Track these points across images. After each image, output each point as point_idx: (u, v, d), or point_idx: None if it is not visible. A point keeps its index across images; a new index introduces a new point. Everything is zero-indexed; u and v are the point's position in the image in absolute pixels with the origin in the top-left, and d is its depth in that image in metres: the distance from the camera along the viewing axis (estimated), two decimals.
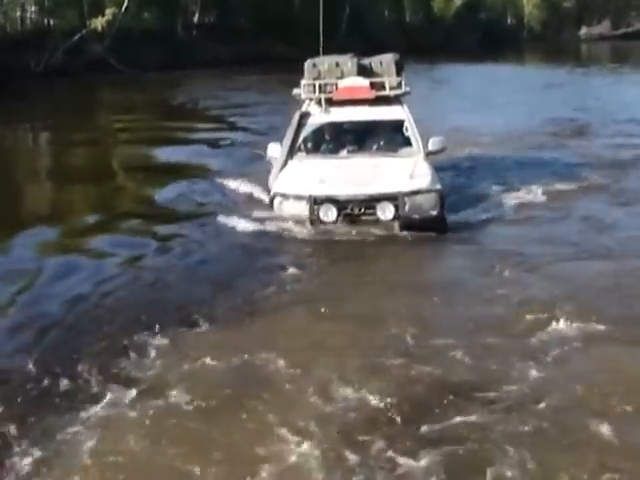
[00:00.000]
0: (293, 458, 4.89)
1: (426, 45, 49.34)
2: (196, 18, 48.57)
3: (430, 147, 10.40)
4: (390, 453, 4.89)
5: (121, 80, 35.02)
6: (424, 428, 5.15)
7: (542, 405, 5.43)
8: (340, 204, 9.55)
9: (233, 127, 21.56)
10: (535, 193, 11.23)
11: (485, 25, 67.96)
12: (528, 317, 6.87)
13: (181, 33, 45.65)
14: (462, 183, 11.97)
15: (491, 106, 23.37)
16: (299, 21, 50.01)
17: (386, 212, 9.50)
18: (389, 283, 8.04)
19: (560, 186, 11.78)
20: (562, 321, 6.67)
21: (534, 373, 5.88)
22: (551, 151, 15.37)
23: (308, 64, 11.04)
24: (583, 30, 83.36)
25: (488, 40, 61.84)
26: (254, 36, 45.76)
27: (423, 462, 4.80)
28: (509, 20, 77.98)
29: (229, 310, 7.37)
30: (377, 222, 9.53)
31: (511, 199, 10.90)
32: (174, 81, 35.38)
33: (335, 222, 9.55)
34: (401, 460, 4.82)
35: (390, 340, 6.51)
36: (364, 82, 10.65)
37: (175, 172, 15.14)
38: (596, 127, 18.51)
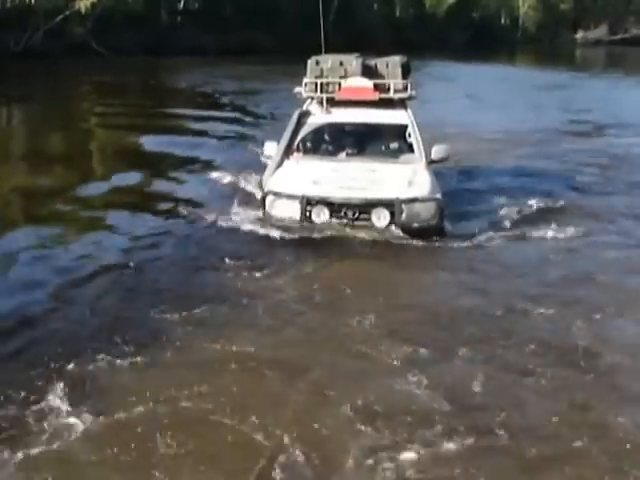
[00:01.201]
0: None
1: (415, 41, 48.74)
2: (181, 4, 47.84)
3: (433, 155, 9.97)
4: None
5: (102, 64, 34.32)
6: None
7: None
8: (333, 207, 9.13)
9: (219, 118, 21.01)
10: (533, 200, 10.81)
11: (477, 24, 67.42)
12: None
13: (165, 19, 44.94)
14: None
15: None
16: (285, 13, 49.53)
17: (381, 218, 9.07)
18: (365, 300, 7.45)
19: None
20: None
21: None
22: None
23: (311, 62, 10.57)
24: (579, 34, 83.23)
25: (480, 39, 61.52)
26: (239, 26, 45.14)
27: None
28: (503, 20, 77.26)
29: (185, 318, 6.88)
30: (371, 228, 9.09)
31: (510, 208, 10.42)
32: (154, 67, 34.86)
33: (327, 225, 9.13)
34: None
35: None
36: (368, 83, 10.18)
37: (156, 160, 14.77)
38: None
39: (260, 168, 12.34)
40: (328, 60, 10.53)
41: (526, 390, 5.71)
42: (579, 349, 6.36)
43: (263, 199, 9.47)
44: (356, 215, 9.11)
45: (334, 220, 9.13)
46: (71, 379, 5.61)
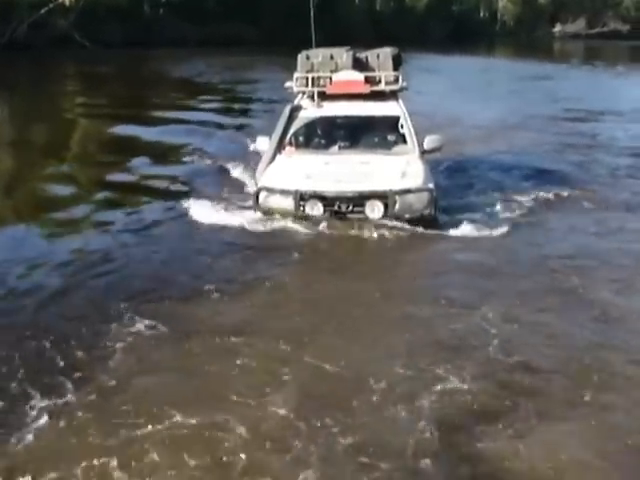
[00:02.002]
0: None
1: (396, 35, 48.76)
2: None
3: (426, 145, 9.89)
4: None
5: (85, 56, 34.14)
6: None
7: None
8: (327, 201, 9.05)
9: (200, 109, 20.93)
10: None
11: (457, 17, 67.62)
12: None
13: (148, 11, 44.67)
14: None
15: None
16: (268, 6, 49.31)
17: (375, 211, 9.00)
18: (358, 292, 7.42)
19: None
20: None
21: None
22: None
23: (301, 56, 10.47)
24: (557, 28, 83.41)
25: (459, 33, 61.59)
26: (222, 18, 45.07)
27: None
28: (482, 14, 77.49)
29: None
30: (365, 220, 9.02)
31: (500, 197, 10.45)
32: (138, 59, 34.68)
33: (321, 219, 9.05)
34: None
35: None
36: (359, 76, 10.08)
37: (142, 150, 14.65)
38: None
39: (248, 156, 12.52)
40: (319, 54, 10.42)
41: None
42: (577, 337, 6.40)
43: (256, 194, 9.39)
44: (350, 208, 9.05)
45: (328, 214, 9.05)
46: None
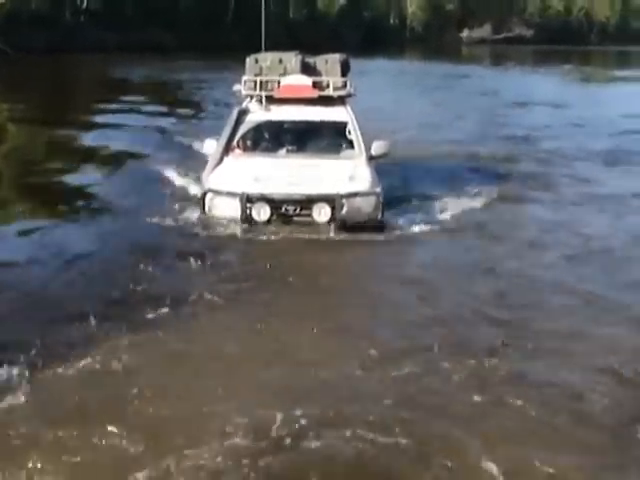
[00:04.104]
0: None
1: (309, 41, 49.08)
2: (85, 4, 47.20)
3: (373, 151, 9.75)
4: None
5: (7, 62, 33.00)
6: None
7: None
8: (274, 204, 8.83)
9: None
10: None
11: (368, 24, 68.16)
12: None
13: (69, 18, 44.37)
14: None
15: None
16: (185, 13, 49.46)
17: (322, 214, 8.81)
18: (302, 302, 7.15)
19: None
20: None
21: None
22: None
23: (250, 59, 10.21)
24: (465, 33, 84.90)
25: (371, 39, 62.09)
26: (141, 25, 45.35)
27: None
28: (392, 20, 78.45)
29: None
30: (312, 224, 8.82)
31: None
32: (60, 64, 33.95)
33: (268, 222, 8.81)
34: None
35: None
36: (307, 81, 9.88)
37: (78, 155, 14.18)
38: None
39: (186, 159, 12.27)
40: (267, 58, 10.20)
41: None
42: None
43: (203, 197, 9.07)
44: (297, 211, 8.84)
45: (274, 217, 8.82)
46: None
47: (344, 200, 8.77)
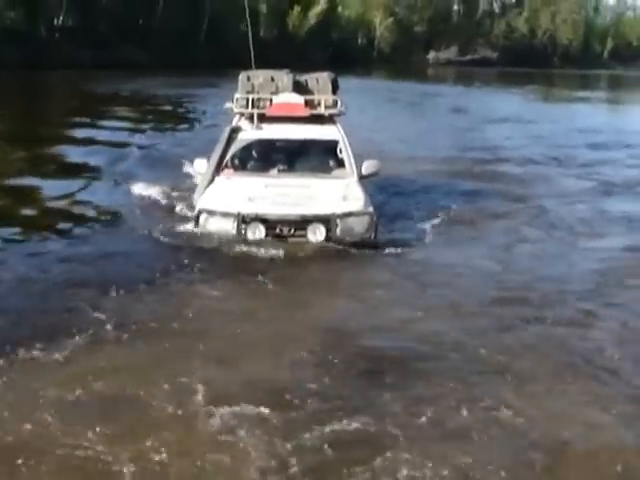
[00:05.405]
0: None
1: (280, 60, 49.26)
2: (60, 21, 46.92)
3: (364, 170, 9.60)
4: None
5: None
6: None
7: None
8: (269, 224, 8.65)
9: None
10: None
11: (336, 44, 68.38)
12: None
13: (44, 34, 43.97)
14: None
15: None
16: (158, 30, 49.46)
17: (317, 234, 8.66)
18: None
19: None
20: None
21: None
22: None
23: (242, 77, 10.03)
24: (431, 54, 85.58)
25: (339, 59, 62.17)
26: (114, 42, 45.14)
27: None
28: (360, 40, 78.76)
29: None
30: (307, 243, 8.65)
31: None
32: (35, 80, 33.60)
33: (262, 241, 8.58)
34: None
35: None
36: (299, 99, 9.70)
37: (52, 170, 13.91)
38: None
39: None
40: (259, 76, 10.02)
41: None
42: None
43: (197, 217, 8.85)
44: (292, 231, 8.68)
45: (269, 237, 8.62)
46: None
47: (338, 220, 8.66)
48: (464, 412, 5.12)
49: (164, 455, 4.51)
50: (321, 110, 9.83)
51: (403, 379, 5.62)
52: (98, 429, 4.72)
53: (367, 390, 5.43)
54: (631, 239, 9.91)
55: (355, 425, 4.89)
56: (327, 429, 4.82)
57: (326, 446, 4.64)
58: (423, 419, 5.01)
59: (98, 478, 4.36)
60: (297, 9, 67.14)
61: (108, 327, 6.30)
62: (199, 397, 5.18)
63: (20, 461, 4.42)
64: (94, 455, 4.49)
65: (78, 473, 4.40)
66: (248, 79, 9.96)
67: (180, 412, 5.00)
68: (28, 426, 4.76)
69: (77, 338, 6.02)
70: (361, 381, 5.57)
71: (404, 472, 4.43)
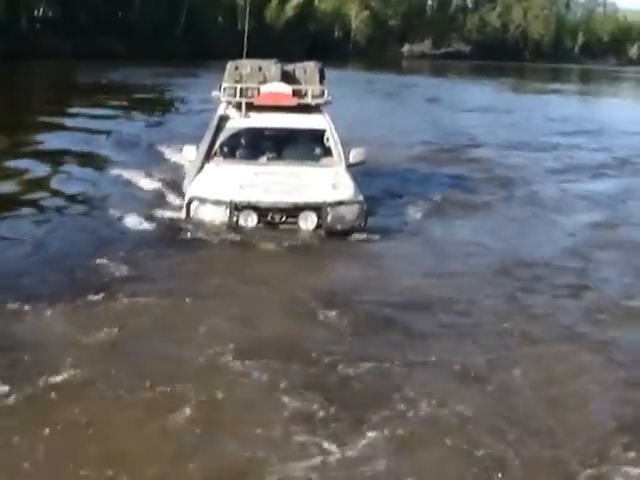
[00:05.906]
0: None
1: (257, 51, 49.23)
2: (41, 12, 47.09)
3: (351, 159, 9.69)
4: None
5: None
6: None
7: None
8: (261, 211, 8.72)
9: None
10: None
11: (313, 36, 68.45)
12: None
13: (25, 25, 43.89)
14: None
15: None
16: (136, 23, 49.32)
17: (308, 222, 8.77)
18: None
19: None
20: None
21: None
22: None
23: (230, 66, 10.07)
24: (406, 47, 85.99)
25: (315, 50, 62.16)
26: (94, 33, 44.94)
27: None
28: (337, 33, 78.97)
29: None
30: (298, 231, 8.74)
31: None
32: (16, 70, 33.25)
33: (254, 229, 8.69)
34: None
35: None
36: (287, 89, 9.77)
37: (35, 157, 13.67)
38: None
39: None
40: (247, 65, 10.08)
41: None
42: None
43: (187, 205, 8.86)
44: (283, 219, 8.76)
45: (261, 224, 8.71)
46: None
47: (329, 208, 8.74)
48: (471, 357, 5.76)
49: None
50: (308, 100, 9.90)
51: (409, 331, 6.23)
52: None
53: (377, 340, 6.01)
54: (597, 215, 10.92)
55: (369, 365, 5.45)
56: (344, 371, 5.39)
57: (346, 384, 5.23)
58: (431, 365, 5.60)
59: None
60: (275, 2, 67.14)
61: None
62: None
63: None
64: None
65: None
66: (236, 68, 10.01)
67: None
68: None
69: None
70: (372, 332, 6.16)
71: (423, 406, 4.94)
